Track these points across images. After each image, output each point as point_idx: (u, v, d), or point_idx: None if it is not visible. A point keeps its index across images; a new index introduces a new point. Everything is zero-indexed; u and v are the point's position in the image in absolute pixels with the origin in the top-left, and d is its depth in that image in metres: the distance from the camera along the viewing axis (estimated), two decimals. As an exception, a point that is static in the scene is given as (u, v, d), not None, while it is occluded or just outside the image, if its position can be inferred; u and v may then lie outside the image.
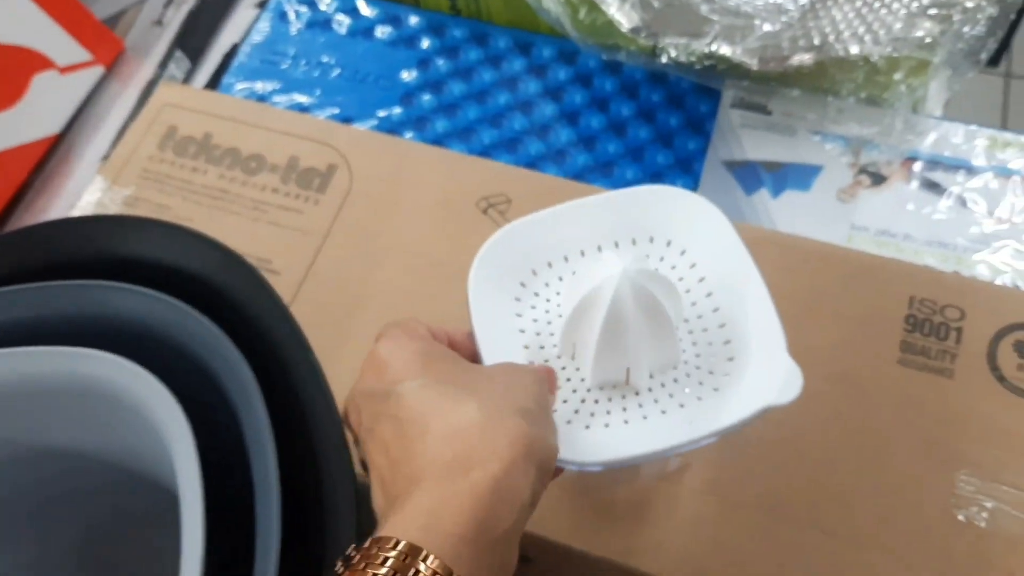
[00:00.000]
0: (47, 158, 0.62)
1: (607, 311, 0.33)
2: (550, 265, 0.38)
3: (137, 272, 0.33)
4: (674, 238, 0.38)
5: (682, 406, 0.35)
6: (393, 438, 0.29)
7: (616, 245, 0.38)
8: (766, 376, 0.33)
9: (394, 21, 0.62)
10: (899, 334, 0.44)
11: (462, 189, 0.49)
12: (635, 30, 0.52)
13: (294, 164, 0.51)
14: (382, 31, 0.62)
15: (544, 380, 0.33)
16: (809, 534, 0.39)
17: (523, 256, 0.38)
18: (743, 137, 0.57)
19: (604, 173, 0.56)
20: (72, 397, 0.32)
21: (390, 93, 0.59)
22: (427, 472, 0.28)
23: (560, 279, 0.38)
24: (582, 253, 0.38)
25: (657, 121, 0.57)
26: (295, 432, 0.32)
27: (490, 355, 0.35)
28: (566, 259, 0.38)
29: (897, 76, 0.55)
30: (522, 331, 0.37)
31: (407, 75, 0.60)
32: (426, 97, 0.59)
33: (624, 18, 0.53)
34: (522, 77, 0.60)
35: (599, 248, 0.38)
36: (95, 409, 0.33)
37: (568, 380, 0.36)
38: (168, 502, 0.35)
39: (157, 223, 0.35)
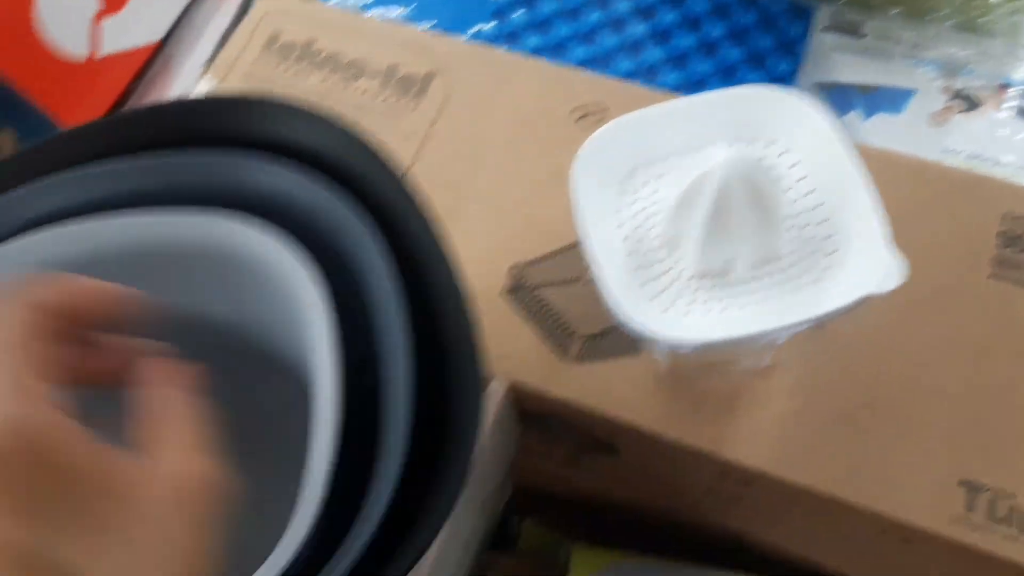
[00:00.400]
0: (149, 65, 0.64)
1: (714, 198, 0.34)
2: (651, 163, 0.39)
3: (268, 150, 0.35)
4: (777, 137, 0.39)
5: (782, 295, 0.36)
6: None
7: (708, 145, 0.39)
8: (867, 267, 0.34)
9: (487, -63, 0.63)
10: (992, 250, 0.44)
11: (558, 98, 0.50)
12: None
13: (393, 71, 0.52)
14: (475, -53, 0.63)
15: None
16: (902, 429, 0.40)
17: (624, 153, 0.39)
18: (835, 60, 0.57)
19: (694, 92, 0.56)
20: (212, 265, 0.34)
21: (482, 8, 0.60)
22: None
23: (659, 176, 0.39)
24: (683, 153, 0.39)
25: (748, 42, 0.58)
26: (422, 317, 0.33)
27: (595, 248, 0.36)
28: (667, 157, 0.39)
29: (995, 0, 0.54)
30: (620, 225, 0.38)
31: (500, -9, 0.61)
32: (518, 13, 0.60)
33: (723, -67, 0.53)
34: (613, -3, 0.60)
35: (698, 148, 0.39)
36: (235, 281, 0.34)
37: (667, 272, 0.37)
38: (297, 394, 0.37)
39: (288, 103, 0.37)
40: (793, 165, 0.38)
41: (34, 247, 0.34)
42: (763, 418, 0.41)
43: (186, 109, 0.37)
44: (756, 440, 0.41)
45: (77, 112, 0.58)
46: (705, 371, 0.42)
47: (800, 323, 0.34)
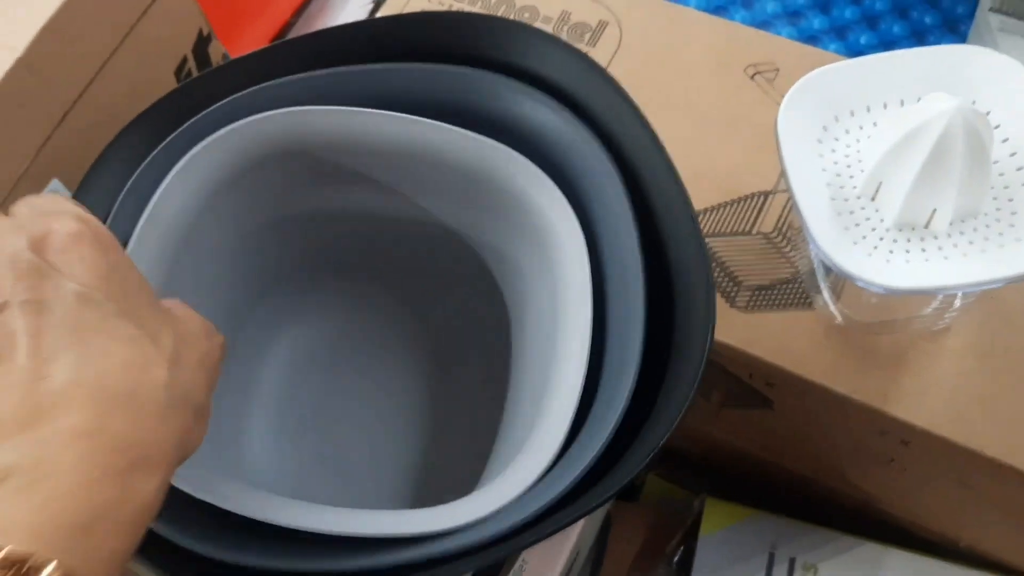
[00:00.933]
0: (307, 2, 0.66)
1: (934, 146, 0.34)
2: (852, 113, 0.40)
3: (515, 74, 0.36)
4: (979, 98, 0.39)
5: (983, 251, 0.36)
6: (26, 340, 0.22)
7: (917, 100, 0.39)
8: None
9: (651, -101, 0.63)
10: None
11: (731, 54, 0.51)
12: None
13: (565, 18, 0.53)
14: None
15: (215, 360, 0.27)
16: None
17: (827, 101, 0.39)
18: (999, 40, 0.56)
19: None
20: (466, 179, 0.36)
21: (644, -32, 0.61)
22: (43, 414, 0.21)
23: (860, 127, 0.39)
24: (885, 105, 0.39)
25: (911, 18, 0.57)
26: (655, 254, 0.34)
27: (800, 189, 0.37)
28: (868, 109, 0.40)
29: None
30: (823, 170, 0.39)
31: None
32: (679, -25, 0.60)
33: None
34: (776, -36, 0.60)
35: (901, 102, 0.39)
36: (482, 196, 0.36)
37: (867, 219, 0.37)
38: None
39: (543, 33, 0.38)
40: (996, 126, 0.38)
41: (308, 118, 0.36)
42: (932, 379, 0.42)
43: (441, 23, 0.38)
44: (923, 399, 0.41)
45: (249, 35, 0.59)
46: (878, 328, 0.43)
47: (1004, 279, 0.34)
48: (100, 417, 0.22)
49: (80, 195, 0.35)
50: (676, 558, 0.51)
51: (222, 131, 0.35)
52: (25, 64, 0.35)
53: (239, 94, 0.37)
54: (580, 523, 0.41)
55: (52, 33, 0.35)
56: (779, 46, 0.52)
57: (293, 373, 0.44)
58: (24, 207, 0.26)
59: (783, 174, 0.38)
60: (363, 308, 0.45)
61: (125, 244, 0.34)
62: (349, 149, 0.38)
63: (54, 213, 0.25)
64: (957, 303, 0.42)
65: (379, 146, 0.36)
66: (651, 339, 0.31)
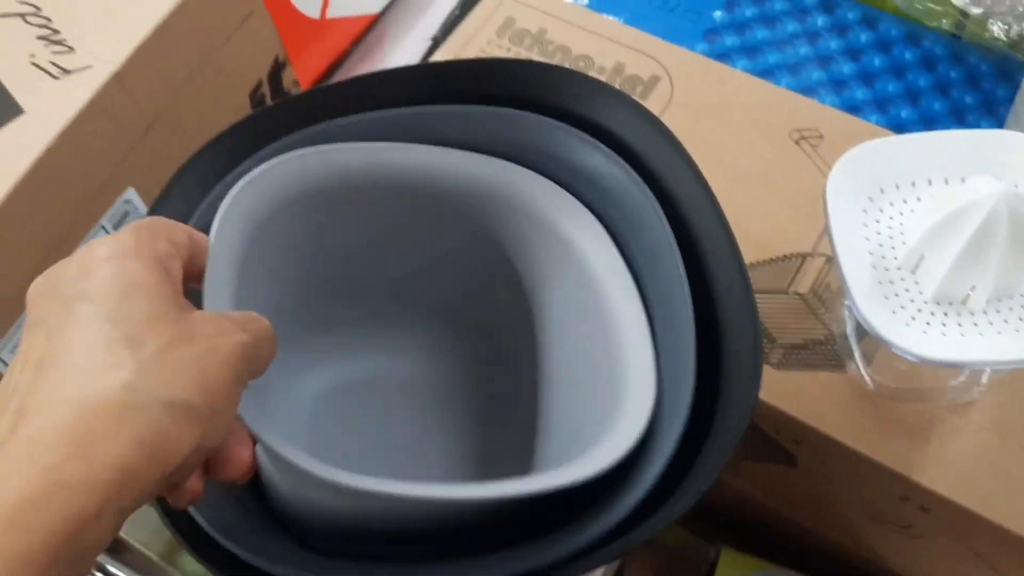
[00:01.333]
0: (365, 33, 0.68)
1: (978, 227, 0.36)
2: (897, 187, 0.41)
3: (576, 123, 0.38)
4: (1018, 182, 0.40)
5: (1017, 331, 0.37)
6: (30, 360, 0.25)
7: (962, 180, 0.41)
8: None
9: (707, -38, 0.66)
10: None
11: (778, 117, 0.52)
12: (965, 3, 0.54)
13: (619, 69, 0.55)
14: (695, -30, 0.65)
15: (248, 357, 0.27)
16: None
17: (874, 173, 0.41)
18: (1038, 126, 0.58)
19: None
20: (507, 211, 0.37)
21: (695, 28, 0.63)
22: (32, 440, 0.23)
23: (904, 201, 0.41)
24: (929, 182, 0.41)
25: (952, 96, 0.59)
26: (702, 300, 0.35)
27: (845, 256, 0.38)
28: (913, 184, 0.41)
29: None
30: (867, 239, 0.40)
31: (716, 13, 0.63)
32: (730, 39, 0.62)
33: (954, -11, 0.55)
34: (823, 33, 0.62)
35: (945, 180, 0.41)
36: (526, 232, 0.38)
37: (907, 290, 0.39)
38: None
39: (606, 85, 0.40)
40: (1038, 211, 0.40)
41: (342, 156, 0.37)
42: (957, 450, 0.43)
43: (506, 68, 0.40)
44: (946, 469, 0.42)
45: (307, 62, 0.61)
46: (906, 396, 0.44)
47: (1038, 359, 0.36)
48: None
49: (153, 212, 0.37)
50: (688, 605, 0.52)
51: (257, 170, 0.37)
52: (118, 79, 0.37)
53: (301, 132, 0.38)
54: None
55: (146, 52, 0.37)
56: (824, 114, 0.54)
57: (333, 392, 0.45)
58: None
59: (829, 239, 0.39)
60: (397, 347, 0.46)
61: None
62: (386, 185, 0.39)
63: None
64: (984, 379, 0.43)
65: (416, 179, 0.38)
66: (697, 390, 0.33)
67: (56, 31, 0.37)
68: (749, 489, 0.53)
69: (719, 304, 0.35)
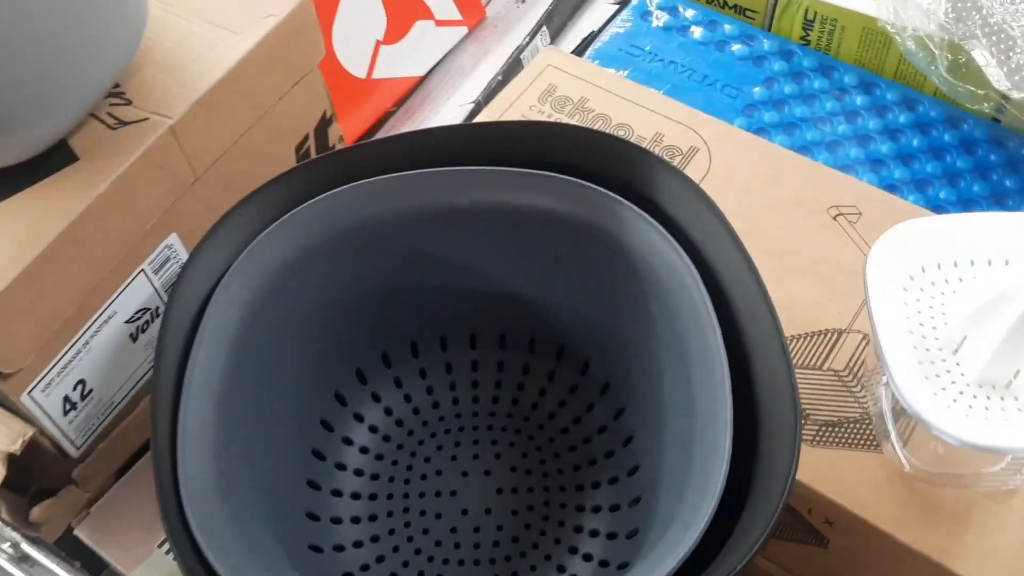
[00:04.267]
0: (409, 95, 0.69)
1: (1022, 313, 0.35)
2: (939, 267, 0.41)
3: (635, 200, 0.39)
4: (1065, 269, 0.40)
5: (1063, 419, 0.36)
6: None
7: (1006, 263, 0.41)
8: None
9: (748, 39, 0.66)
10: None
11: (816, 194, 0.52)
12: (1006, 88, 0.55)
13: (658, 139, 0.56)
14: (735, 47, 0.66)
15: None
16: None
17: (915, 252, 0.41)
18: (1079, 212, 0.57)
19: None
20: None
21: (735, 102, 0.63)
22: None
23: (946, 281, 0.41)
24: (972, 263, 0.41)
25: (992, 180, 0.59)
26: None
27: (885, 335, 0.38)
28: (955, 264, 0.41)
29: None
30: (907, 318, 0.40)
31: (755, 90, 0.64)
32: (768, 114, 0.63)
33: (995, 74, 0.55)
34: (862, 113, 0.63)
35: (989, 262, 0.41)
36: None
37: (948, 372, 0.38)
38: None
39: (672, 168, 0.40)
40: (1083, 298, 0.39)
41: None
42: (997, 541, 0.41)
43: (557, 133, 0.41)
44: (986, 560, 0.41)
45: (352, 119, 0.63)
46: (944, 480, 0.43)
47: (1084, 448, 0.35)
48: None
49: (193, 257, 0.37)
50: None
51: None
52: (173, 132, 0.38)
53: (343, 187, 0.39)
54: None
55: (202, 108, 0.38)
56: (862, 191, 0.54)
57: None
58: None
59: (869, 316, 0.39)
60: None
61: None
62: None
63: None
64: (1028, 466, 0.42)
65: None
66: (733, 466, 0.32)
67: (116, 84, 0.38)
68: (777, 570, 0.51)
69: (757, 376, 0.34)
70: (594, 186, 0.40)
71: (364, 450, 0.45)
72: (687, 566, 0.31)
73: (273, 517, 0.38)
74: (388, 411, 0.46)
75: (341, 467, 0.44)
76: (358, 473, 0.45)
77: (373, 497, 0.44)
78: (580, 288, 0.43)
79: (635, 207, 0.39)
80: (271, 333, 0.40)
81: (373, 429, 0.46)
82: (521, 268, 0.43)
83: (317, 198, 0.39)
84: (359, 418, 0.46)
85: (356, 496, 0.44)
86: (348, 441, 0.45)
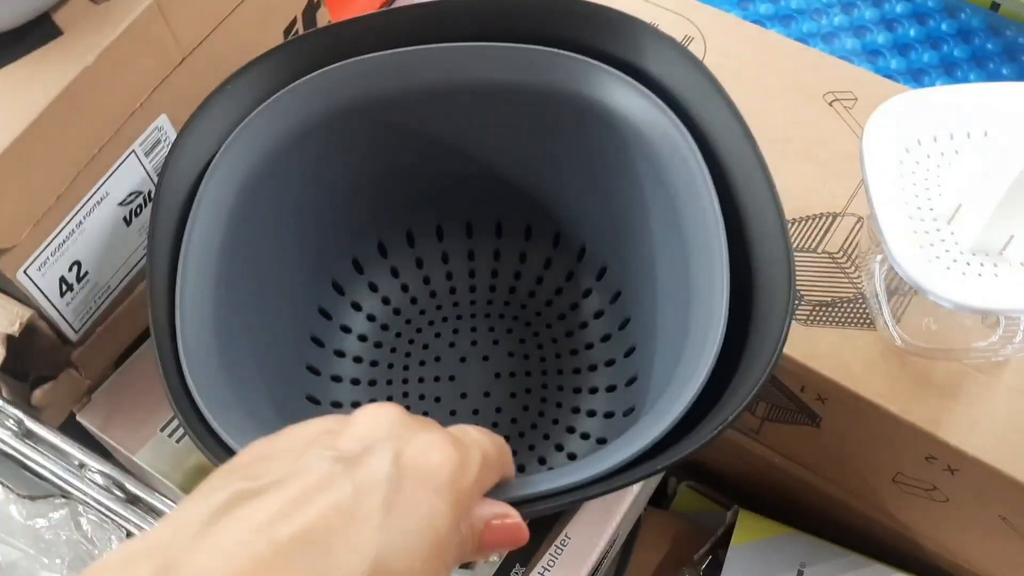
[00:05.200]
0: None
1: (1019, 175, 0.35)
2: (935, 139, 0.41)
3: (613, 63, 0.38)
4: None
5: (1056, 282, 0.37)
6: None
7: (1001, 132, 0.40)
8: None
9: (743, -71, 0.65)
10: None
11: (811, 79, 0.52)
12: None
13: (653, 29, 0.55)
14: (730, -63, 0.65)
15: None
16: None
17: (911, 125, 0.41)
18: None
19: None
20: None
21: (730, -7, 0.63)
22: None
23: (942, 153, 0.40)
24: (968, 134, 0.41)
25: (989, 69, 0.59)
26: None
27: (881, 205, 0.38)
28: (951, 136, 0.41)
29: None
30: (903, 190, 0.40)
31: (750, -21, 0.63)
32: (764, 6, 0.62)
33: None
34: (858, 4, 0.62)
35: (985, 132, 0.41)
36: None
37: (943, 240, 0.38)
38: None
39: (648, 26, 0.40)
40: (1078, 166, 0.39)
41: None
42: (986, 410, 0.42)
43: (544, 6, 0.40)
44: (975, 429, 0.42)
45: (352, 6, 0.61)
46: (935, 355, 0.43)
47: (1075, 309, 0.35)
48: None
49: (182, 135, 0.37)
50: (704, 566, 0.52)
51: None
52: (158, 5, 0.37)
53: (327, 68, 0.39)
54: (626, 503, 0.41)
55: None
56: (858, 76, 0.53)
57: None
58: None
59: (866, 190, 0.39)
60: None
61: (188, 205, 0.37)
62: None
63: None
64: (1018, 338, 0.42)
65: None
66: (731, 319, 0.32)
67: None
68: (770, 455, 0.52)
69: (753, 241, 0.34)
70: (590, 60, 0.39)
71: (363, 338, 0.46)
72: (681, 426, 0.31)
73: (275, 396, 0.38)
74: (386, 300, 0.47)
75: (340, 354, 0.45)
76: (357, 360, 0.45)
77: (372, 383, 0.45)
78: (574, 167, 0.43)
79: (623, 75, 0.38)
80: (265, 215, 0.39)
81: (371, 318, 0.46)
82: (517, 149, 0.43)
83: (307, 77, 0.39)
84: (357, 307, 0.46)
85: (356, 381, 0.44)
86: (346, 329, 0.45)
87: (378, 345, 0.46)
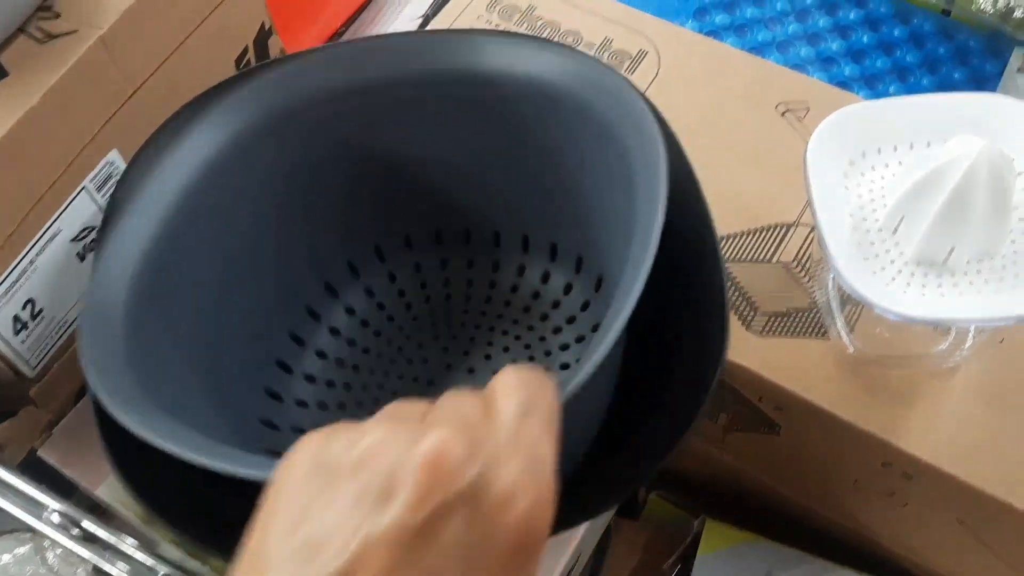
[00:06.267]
0: (362, 10, 0.68)
1: (956, 185, 0.36)
2: (879, 150, 0.41)
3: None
4: (1002, 145, 0.40)
5: (996, 291, 0.37)
6: None
7: (942, 142, 0.41)
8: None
9: (697, -59, 0.66)
10: None
11: (764, 91, 0.52)
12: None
13: (607, 44, 0.55)
14: (684, -51, 0.66)
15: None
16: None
17: (855, 137, 0.41)
18: (1026, 102, 0.58)
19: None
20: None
21: (685, 6, 0.63)
22: None
23: (886, 164, 0.41)
24: (911, 145, 0.41)
25: (941, 73, 0.59)
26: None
27: (825, 218, 0.38)
28: (895, 148, 0.41)
29: None
30: (848, 202, 0.40)
31: (705, -9, 0.63)
32: (719, 17, 0.63)
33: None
34: (812, 12, 0.62)
35: (928, 143, 0.41)
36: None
37: (887, 252, 0.39)
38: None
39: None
40: (1020, 173, 0.40)
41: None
42: (938, 416, 0.43)
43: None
44: (929, 435, 0.42)
45: (302, 37, 0.61)
46: (888, 362, 0.44)
47: (1016, 317, 0.36)
48: None
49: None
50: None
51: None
52: (103, 42, 0.37)
53: (259, 77, 0.39)
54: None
55: (133, 16, 0.37)
56: (810, 86, 0.54)
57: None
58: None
59: (809, 203, 0.39)
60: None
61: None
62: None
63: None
64: (968, 343, 0.43)
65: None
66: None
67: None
68: (734, 462, 0.53)
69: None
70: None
71: (340, 361, 0.45)
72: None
73: (224, 420, 0.38)
74: (365, 323, 0.46)
75: (310, 379, 0.44)
76: (329, 384, 0.45)
77: (342, 406, 0.44)
78: (525, 155, 0.43)
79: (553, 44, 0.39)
80: (205, 236, 0.39)
81: (351, 343, 0.46)
82: (466, 144, 0.43)
83: (254, 77, 0.38)
84: (335, 332, 0.46)
85: (323, 406, 0.44)
86: (321, 354, 0.45)
87: (355, 368, 0.45)
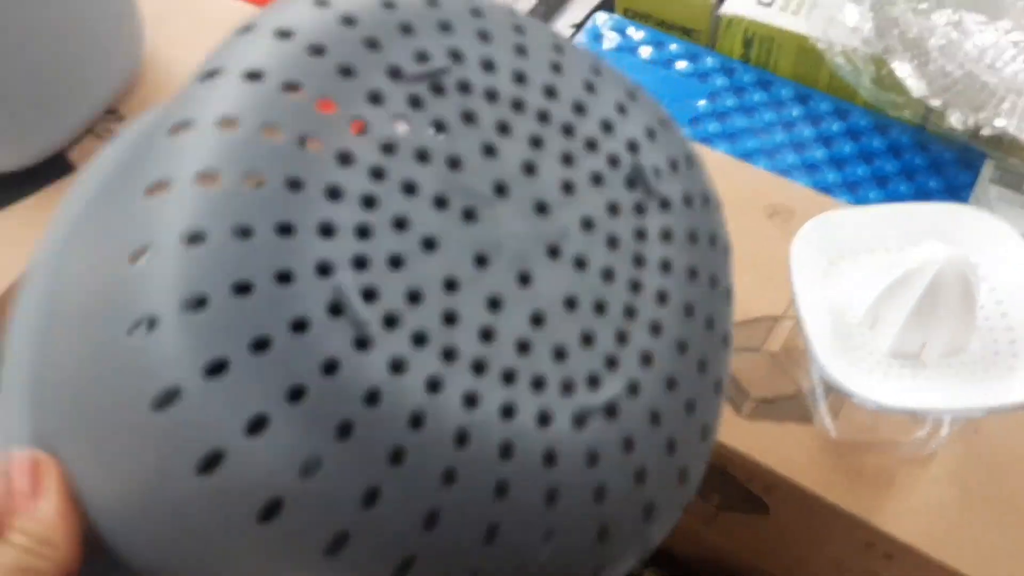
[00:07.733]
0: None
1: (926, 288, 0.40)
2: (856, 253, 0.45)
3: None
4: (970, 251, 0.44)
5: (966, 383, 0.41)
6: None
7: (916, 246, 0.45)
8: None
9: (693, 58, 0.71)
10: None
11: (752, 195, 0.57)
12: (924, 96, 0.60)
13: (609, 148, 0.60)
14: (681, 64, 0.71)
15: None
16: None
17: (835, 239, 0.45)
18: (996, 208, 0.63)
19: (863, 215, 0.63)
20: None
21: (682, 115, 0.68)
22: None
23: (864, 266, 0.45)
24: (887, 249, 0.45)
25: (917, 182, 0.64)
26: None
27: (808, 314, 0.42)
28: (871, 251, 0.45)
29: None
30: (828, 299, 0.44)
31: (700, 103, 0.69)
32: (712, 125, 0.68)
33: (915, 85, 0.60)
34: (798, 123, 0.68)
35: (900, 248, 0.45)
36: None
37: (865, 345, 0.43)
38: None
39: None
40: (984, 277, 0.44)
41: None
42: (918, 499, 0.46)
43: None
44: (910, 517, 0.45)
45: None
46: (869, 448, 0.47)
47: (985, 408, 0.39)
48: None
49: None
50: (666, 655, 0.54)
51: None
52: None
53: None
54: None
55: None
56: (796, 192, 0.58)
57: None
58: None
59: (793, 298, 0.43)
60: None
61: None
62: None
63: None
64: (944, 431, 0.46)
65: None
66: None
67: (115, 109, 0.41)
68: (723, 542, 0.55)
69: None
70: None
71: None
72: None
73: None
74: None
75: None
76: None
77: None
78: None
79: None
80: None
81: None
82: None
83: None
84: None
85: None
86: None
87: None
